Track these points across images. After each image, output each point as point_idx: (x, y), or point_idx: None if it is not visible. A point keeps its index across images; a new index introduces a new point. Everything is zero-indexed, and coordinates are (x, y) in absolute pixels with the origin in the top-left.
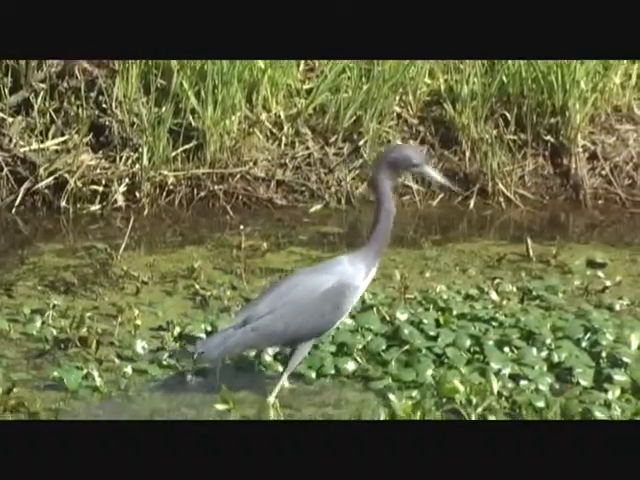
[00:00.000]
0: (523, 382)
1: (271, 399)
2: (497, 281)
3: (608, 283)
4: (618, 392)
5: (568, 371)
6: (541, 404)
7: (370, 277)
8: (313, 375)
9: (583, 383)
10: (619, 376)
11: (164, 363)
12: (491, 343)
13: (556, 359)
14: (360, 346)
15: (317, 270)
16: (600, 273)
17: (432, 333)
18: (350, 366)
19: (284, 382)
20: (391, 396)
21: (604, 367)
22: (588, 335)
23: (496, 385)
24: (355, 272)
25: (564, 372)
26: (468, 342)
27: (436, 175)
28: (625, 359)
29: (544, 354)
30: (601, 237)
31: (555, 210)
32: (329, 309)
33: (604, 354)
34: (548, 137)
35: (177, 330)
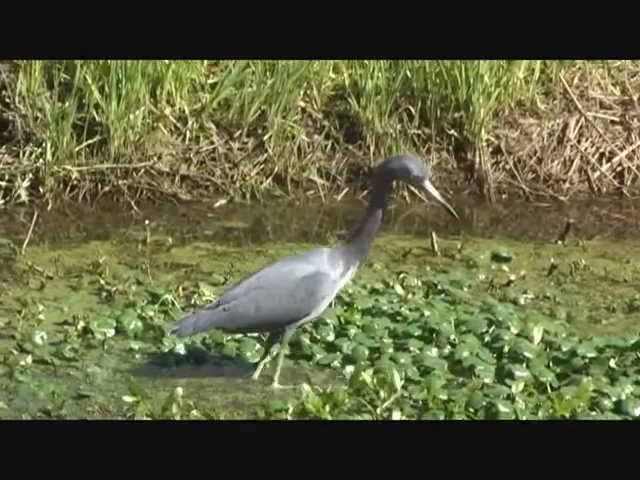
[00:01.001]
0: (426, 378)
1: (275, 384)
2: (402, 275)
3: (512, 277)
4: (522, 386)
5: (470, 369)
6: (444, 397)
7: (349, 276)
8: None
9: (486, 380)
10: (520, 372)
11: (66, 355)
12: (390, 347)
13: (457, 357)
14: None
15: (295, 259)
16: (504, 267)
17: (330, 339)
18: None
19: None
20: (305, 386)
21: (506, 363)
22: (492, 329)
23: (399, 381)
24: (333, 265)
25: (466, 370)
26: (369, 342)
27: (435, 192)
28: (527, 354)
29: (447, 351)
30: (505, 231)
31: (459, 204)
32: (302, 296)
33: (506, 349)
34: (452, 131)
35: (81, 325)
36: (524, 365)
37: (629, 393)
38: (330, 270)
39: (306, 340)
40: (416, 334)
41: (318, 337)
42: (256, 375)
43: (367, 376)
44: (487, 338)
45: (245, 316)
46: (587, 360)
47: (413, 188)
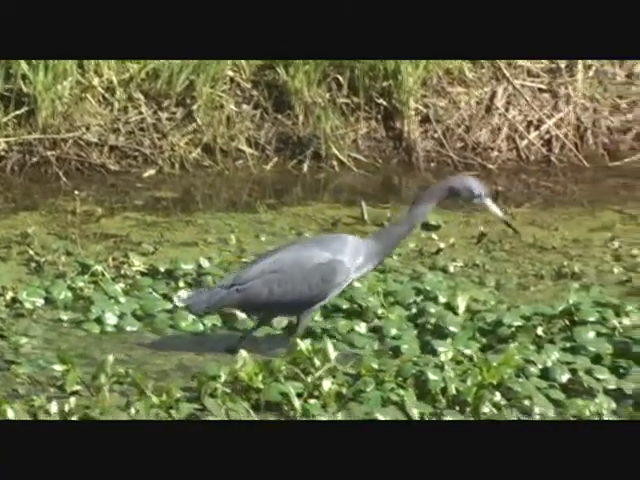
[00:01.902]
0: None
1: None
2: None
3: (442, 245)
4: (450, 354)
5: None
6: (376, 366)
7: (363, 271)
8: None
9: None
10: (443, 347)
11: None
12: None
13: (385, 333)
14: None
15: (315, 243)
16: (434, 235)
17: None
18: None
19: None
20: (242, 353)
21: (430, 340)
22: (420, 299)
23: (332, 352)
24: (353, 255)
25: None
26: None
27: (497, 210)
28: (452, 328)
29: (373, 325)
30: None
31: (388, 173)
32: (317, 282)
33: (432, 322)
34: (381, 100)
35: (10, 295)
36: (448, 341)
37: (555, 360)
38: (347, 259)
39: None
40: (344, 307)
41: None
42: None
43: (303, 345)
44: (414, 310)
45: (258, 299)
46: (514, 329)
47: (474, 206)
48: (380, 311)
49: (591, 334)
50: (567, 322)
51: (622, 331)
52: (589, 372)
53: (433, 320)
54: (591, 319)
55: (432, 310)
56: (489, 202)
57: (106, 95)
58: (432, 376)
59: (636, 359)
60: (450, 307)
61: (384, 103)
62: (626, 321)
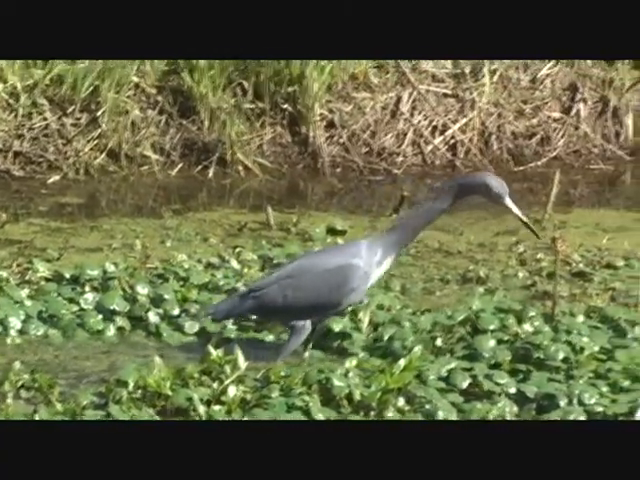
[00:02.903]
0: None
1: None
2: (238, 249)
3: None
4: (355, 362)
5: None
6: (284, 373)
7: (385, 266)
8: None
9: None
10: (348, 363)
11: None
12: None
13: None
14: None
15: (331, 250)
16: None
17: (175, 312)
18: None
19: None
20: (157, 360)
21: (335, 359)
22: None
23: (243, 360)
24: (369, 255)
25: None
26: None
27: (516, 210)
28: (354, 350)
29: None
30: (340, 204)
31: (294, 178)
32: (330, 288)
33: (335, 345)
34: (286, 106)
35: None
36: (353, 361)
37: (455, 366)
38: (362, 261)
39: (152, 316)
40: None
41: (162, 312)
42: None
43: (214, 352)
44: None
45: (273, 304)
46: (412, 343)
47: (494, 204)
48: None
49: (492, 342)
50: (468, 331)
51: (524, 337)
52: (489, 377)
53: (337, 342)
54: (492, 327)
55: (336, 329)
56: (509, 201)
57: (10, 101)
58: (337, 382)
59: (536, 364)
60: (354, 321)
61: (289, 108)
62: (528, 327)
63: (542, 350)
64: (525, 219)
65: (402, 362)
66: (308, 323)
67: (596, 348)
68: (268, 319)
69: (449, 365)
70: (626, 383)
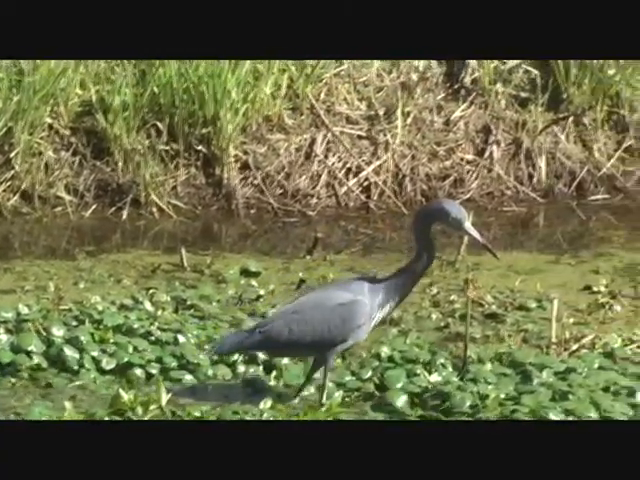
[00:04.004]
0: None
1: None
2: (152, 291)
3: (262, 292)
4: (269, 403)
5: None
6: (198, 414)
7: (385, 311)
8: None
9: None
10: (263, 404)
11: None
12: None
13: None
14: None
15: (335, 286)
16: (253, 282)
17: (95, 354)
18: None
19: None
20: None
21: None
22: (243, 357)
23: (164, 398)
24: (372, 295)
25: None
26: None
27: (476, 234)
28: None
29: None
30: (254, 246)
31: (208, 220)
32: (336, 323)
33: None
34: (200, 147)
35: None
36: (268, 402)
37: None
38: (367, 299)
39: (70, 353)
40: (173, 365)
41: (79, 354)
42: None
43: (126, 396)
44: (240, 368)
45: (279, 340)
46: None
47: (453, 231)
48: (210, 372)
49: (402, 398)
50: (376, 386)
51: (432, 389)
52: None
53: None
54: (399, 385)
55: (255, 375)
56: (469, 227)
57: None
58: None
59: (445, 412)
60: (269, 364)
61: (203, 150)
62: (436, 377)
63: (450, 399)
64: (485, 243)
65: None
66: (332, 355)
67: (502, 395)
68: (274, 354)
69: (363, 417)
70: None
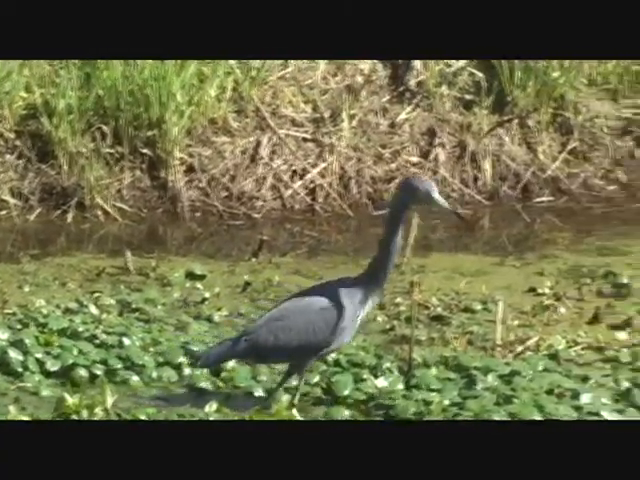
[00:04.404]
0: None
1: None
2: (96, 294)
3: (207, 294)
4: (215, 407)
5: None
6: (143, 417)
7: (370, 305)
8: None
9: None
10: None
11: None
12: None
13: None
14: None
15: (315, 290)
16: (199, 285)
17: (39, 356)
18: None
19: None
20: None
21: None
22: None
23: (110, 401)
24: (351, 297)
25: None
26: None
27: (446, 204)
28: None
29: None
30: (200, 249)
31: (153, 223)
32: (320, 328)
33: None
34: (145, 150)
35: None
36: (214, 405)
37: None
38: (347, 302)
39: (14, 355)
40: (118, 366)
41: (24, 356)
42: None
43: (70, 399)
44: (186, 371)
45: (264, 347)
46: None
47: (424, 205)
48: (154, 374)
49: (346, 413)
50: (324, 390)
51: (378, 396)
52: None
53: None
54: (346, 392)
55: (201, 379)
56: (439, 197)
57: None
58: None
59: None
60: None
61: (149, 153)
62: (382, 381)
63: (395, 406)
64: (454, 209)
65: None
66: (311, 360)
67: (446, 402)
68: (260, 361)
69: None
70: None
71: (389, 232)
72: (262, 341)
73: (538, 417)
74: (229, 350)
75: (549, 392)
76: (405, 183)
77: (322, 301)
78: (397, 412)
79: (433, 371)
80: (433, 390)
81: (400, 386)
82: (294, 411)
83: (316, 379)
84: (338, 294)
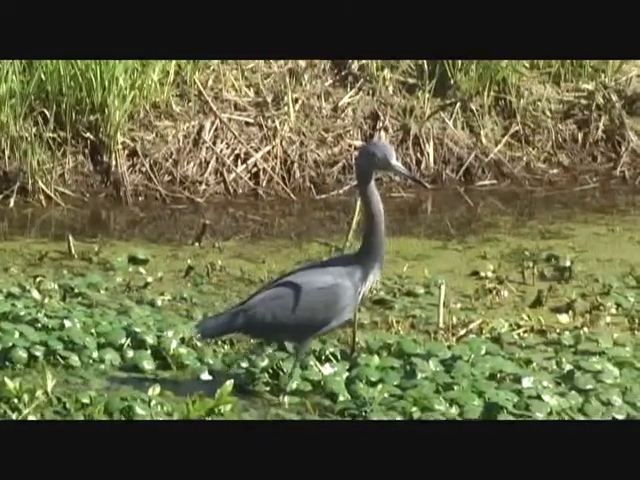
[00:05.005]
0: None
1: (285, 399)
2: (39, 279)
3: (150, 279)
4: (157, 390)
5: None
6: (86, 400)
7: (370, 281)
8: None
9: None
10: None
11: None
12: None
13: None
14: None
15: (317, 267)
16: (142, 269)
17: None
18: None
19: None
20: None
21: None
22: (129, 342)
23: (50, 384)
24: (350, 274)
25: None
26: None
27: (405, 170)
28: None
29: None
30: (142, 233)
31: (96, 207)
32: (319, 308)
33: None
34: (88, 134)
35: None
36: (157, 389)
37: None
38: (347, 280)
39: None
40: (58, 347)
41: None
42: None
43: (11, 384)
44: (129, 354)
45: (262, 324)
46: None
47: (382, 171)
48: (95, 354)
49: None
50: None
51: (322, 385)
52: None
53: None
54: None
55: (144, 361)
56: (397, 164)
57: None
58: (140, 410)
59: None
60: (158, 350)
61: (91, 137)
62: (327, 369)
63: (336, 398)
64: (412, 175)
65: (216, 395)
66: (309, 339)
67: (386, 394)
68: (258, 337)
69: (247, 403)
70: (417, 414)
71: (364, 202)
72: (260, 318)
73: (478, 402)
74: (226, 324)
75: (491, 377)
76: (363, 150)
77: (320, 281)
78: (339, 404)
79: (376, 359)
80: (374, 383)
81: (345, 374)
82: (284, 399)
83: (264, 363)
84: (337, 273)
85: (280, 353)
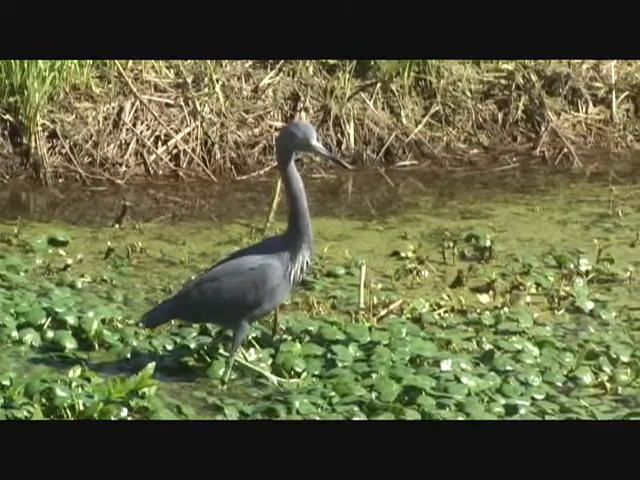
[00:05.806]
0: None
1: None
2: None
3: (70, 261)
4: (78, 372)
5: None
6: (6, 382)
7: (300, 261)
8: None
9: None
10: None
11: None
12: None
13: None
14: None
15: (247, 250)
16: (61, 251)
17: None
18: None
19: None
20: None
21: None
22: (49, 322)
23: None
24: (279, 255)
25: None
26: None
27: (325, 151)
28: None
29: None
30: (62, 215)
31: (16, 189)
32: (249, 288)
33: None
34: (7, 116)
35: None
36: (77, 371)
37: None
38: (276, 261)
39: None
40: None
41: None
42: (226, 377)
43: None
44: (49, 334)
45: (197, 307)
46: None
47: (304, 152)
48: (14, 334)
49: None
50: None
51: (247, 368)
52: (212, 395)
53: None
54: (220, 372)
55: (66, 341)
56: (317, 144)
57: None
58: (60, 392)
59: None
60: (79, 331)
61: (11, 119)
62: (252, 354)
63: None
64: (333, 156)
65: (137, 377)
66: (245, 323)
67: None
68: (197, 321)
69: (172, 386)
70: (337, 399)
71: (285, 183)
72: (195, 302)
73: (396, 387)
74: (167, 310)
75: (411, 361)
76: (284, 130)
77: (251, 261)
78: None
79: (298, 346)
80: (298, 374)
81: (269, 361)
82: (224, 387)
83: (192, 345)
84: (267, 254)
85: (205, 337)
